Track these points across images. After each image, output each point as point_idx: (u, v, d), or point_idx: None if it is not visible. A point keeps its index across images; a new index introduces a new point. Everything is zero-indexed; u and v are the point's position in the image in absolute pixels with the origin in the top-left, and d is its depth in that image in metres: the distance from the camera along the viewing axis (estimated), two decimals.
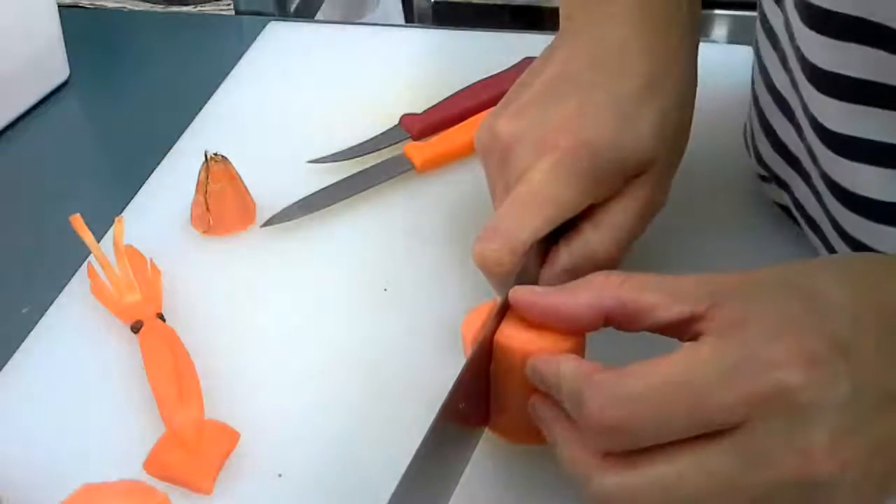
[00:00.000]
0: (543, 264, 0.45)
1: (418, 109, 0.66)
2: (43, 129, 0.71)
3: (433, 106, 0.66)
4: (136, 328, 0.51)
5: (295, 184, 0.61)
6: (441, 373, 0.41)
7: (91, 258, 0.54)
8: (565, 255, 0.44)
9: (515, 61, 0.67)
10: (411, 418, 0.41)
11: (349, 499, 0.44)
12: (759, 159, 0.57)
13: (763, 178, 0.58)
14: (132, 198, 0.62)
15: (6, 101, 0.70)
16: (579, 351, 0.39)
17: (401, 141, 0.64)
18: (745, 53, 0.74)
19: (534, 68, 0.49)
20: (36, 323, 0.53)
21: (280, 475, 0.45)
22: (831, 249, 0.51)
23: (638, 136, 0.45)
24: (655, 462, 0.32)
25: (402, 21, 1.27)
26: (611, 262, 0.45)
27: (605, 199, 0.45)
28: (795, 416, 0.31)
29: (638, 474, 0.33)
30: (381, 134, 0.65)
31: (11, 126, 0.70)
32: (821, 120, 0.46)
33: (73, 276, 0.56)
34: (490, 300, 0.45)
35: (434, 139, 0.63)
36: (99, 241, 0.54)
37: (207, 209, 0.57)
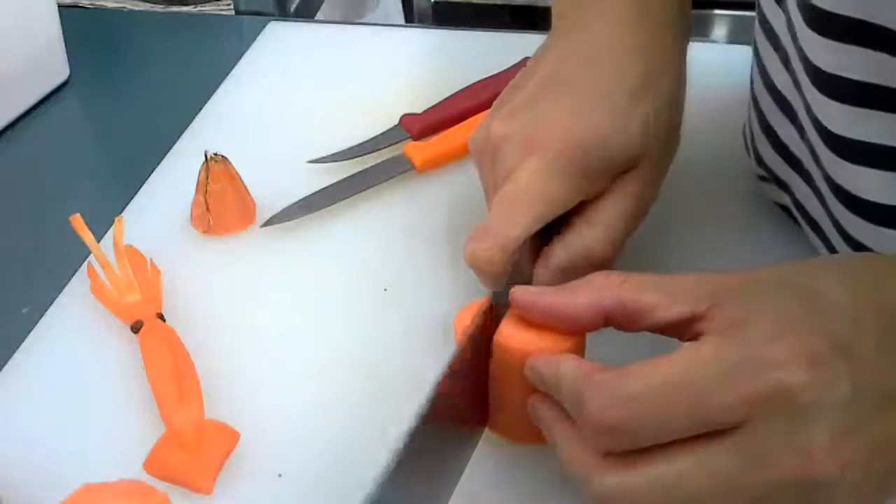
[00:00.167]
0: (537, 262, 0.45)
1: (418, 109, 0.66)
2: (43, 129, 0.71)
3: (433, 106, 0.66)
4: (136, 328, 0.51)
5: (295, 184, 0.61)
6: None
7: (91, 258, 0.54)
8: (561, 252, 0.44)
9: (515, 61, 0.67)
10: (411, 418, 0.41)
11: (349, 499, 0.43)
12: (759, 160, 0.57)
13: (762, 178, 0.58)
14: (132, 198, 0.62)
15: (6, 101, 0.70)
16: (579, 351, 0.39)
17: (401, 141, 0.64)
18: (745, 53, 0.74)
19: (527, 70, 0.49)
20: (36, 323, 0.53)
21: (280, 475, 0.45)
22: (832, 250, 0.51)
23: (629, 135, 0.45)
24: (656, 462, 0.32)
25: (402, 21, 1.27)
26: (606, 260, 0.45)
27: (595, 195, 0.46)
28: (796, 415, 0.31)
29: (638, 474, 0.33)
30: (381, 134, 0.65)
31: (11, 126, 0.70)
32: (824, 122, 0.46)
33: (73, 276, 0.56)
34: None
35: (434, 139, 0.63)
36: (99, 241, 0.54)
37: (207, 209, 0.57)
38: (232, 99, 0.71)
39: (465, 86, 0.67)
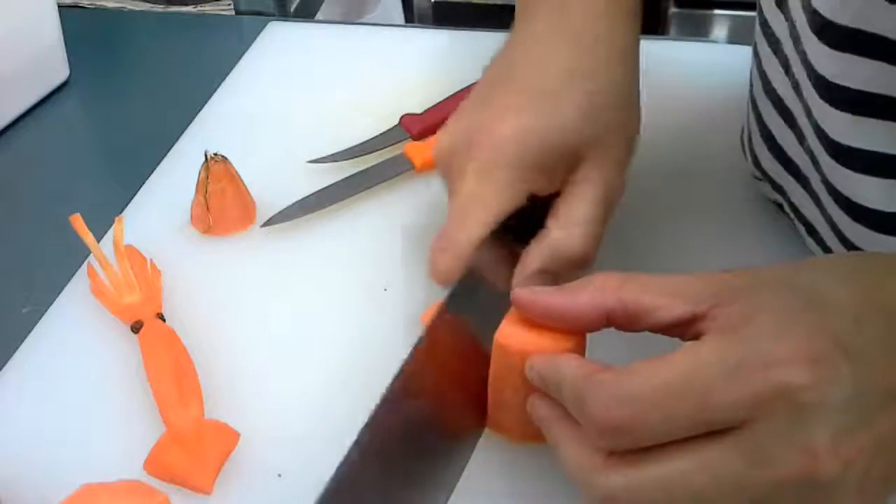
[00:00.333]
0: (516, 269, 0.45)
1: (418, 109, 0.66)
2: (43, 129, 0.71)
3: (433, 106, 0.66)
4: (136, 328, 0.51)
5: (295, 184, 0.61)
6: None
7: (91, 258, 0.54)
8: (535, 256, 0.44)
9: None
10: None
11: None
12: (756, 163, 0.57)
13: (758, 178, 0.58)
14: (132, 198, 0.62)
15: (6, 101, 0.70)
16: (580, 351, 0.39)
17: (401, 141, 0.64)
18: (745, 53, 0.74)
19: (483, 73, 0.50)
20: (36, 323, 0.53)
21: (280, 475, 0.45)
22: (828, 251, 0.51)
23: (561, 119, 0.45)
24: (659, 461, 0.32)
25: (402, 21, 1.27)
26: (584, 256, 0.45)
27: (555, 187, 0.46)
28: (798, 415, 0.31)
29: (641, 474, 0.33)
30: (381, 134, 0.65)
31: (11, 126, 0.70)
32: (825, 129, 0.46)
33: (73, 276, 0.56)
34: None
35: (434, 139, 0.63)
36: (99, 241, 0.54)
37: (207, 209, 0.57)
38: (232, 99, 0.71)
39: (465, 86, 0.67)
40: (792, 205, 0.54)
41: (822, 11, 0.43)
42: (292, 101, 0.71)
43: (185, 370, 0.48)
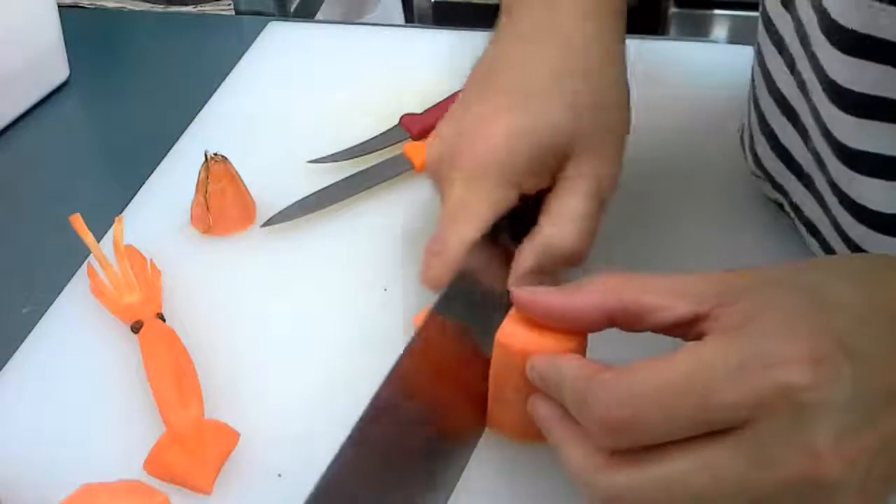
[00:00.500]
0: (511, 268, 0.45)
1: (418, 109, 0.66)
2: (43, 129, 0.71)
3: (433, 106, 0.66)
4: (136, 328, 0.51)
5: (295, 184, 0.61)
6: None
7: (91, 258, 0.54)
8: (528, 254, 0.44)
9: None
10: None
11: None
12: (757, 162, 0.57)
13: (759, 177, 0.58)
14: (132, 198, 0.62)
15: (6, 101, 0.70)
16: (581, 351, 0.39)
17: (401, 141, 0.64)
18: (745, 53, 0.74)
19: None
20: (36, 323, 0.53)
21: (280, 475, 0.45)
22: (829, 251, 0.51)
23: (551, 119, 0.45)
24: (661, 461, 0.32)
25: (402, 21, 1.27)
26: (577, 251, 0.45)
27: (545, 184, 0.46)
28: (800, 415, 0.31)
29: (643, 473, 0.33)
30: (381, 134, 0.65)
31: (11, 126, 0.70)
32: (833, 132, 0.46)
33: (73, 276, 0.56)
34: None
35: None
36: (99, 241, 0.54)
37: (207, 209, 0.57)
38: (232, 99, 0.71)
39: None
40: (793, 204, 0.54)
41: (834, 16, 0.43)
42: (292, 101, 0.71)
43: (185, 370, 0.48)
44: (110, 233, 0.56)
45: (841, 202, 0.48)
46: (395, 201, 0.60)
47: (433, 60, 0.76)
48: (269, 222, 0.58)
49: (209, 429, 0.46)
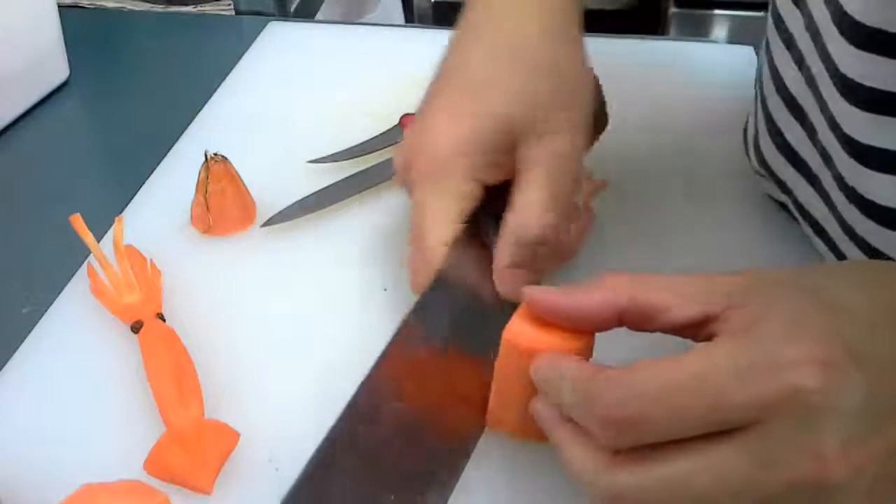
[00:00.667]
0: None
1: None
2: (43, 129, 0.71)
3: None
4: (136, 328, 0.51)
5: (295, 184, 0.61)
6: None
7: (91, 258, 0.54)
8: (503, 251, 0.45)
9: None
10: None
11: None
12: (761, 161, 0.57)
13: (762, 176, 0.58)
14: (132, 198, 0.62)
15: (6, 101, 0.70)
16: (588, 351, 0.39)
17: (401, 141, 0.64)
18: (745, 53, 0.74)
19: None
20: (36, 323, 0.53)
21: (280, 475, 0.44)
22: (835, 250, 0.51)
23: (488, 107, 0.46)
24: (665, 461, 0.32)
25: (402, 21, 1.27)
26: (545, 237, 0.45)
27: (509, 174, 0.46)
28: (808, 418, 0.31)
29: (647, 473, 0.33)
30: (381, 134, 0.65)
31: (11, 126, 0.70)
32: (844, 128, 0.46)
33: (73, 276, 0.56)
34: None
35: None
36: (99, 241, 0.54)
37: (207, 209, 0.57)
38: (232, 99, 0.71)
39: None
40: (798, 203, 0.54)
41: (850, 11, 0.43)
42: (292, 101, 0.71)
43: (185, 370, 0.48)
44: (110, 233, 0.56)
45: (848, 198, 0.48)
46: (395, 201, 0.60)
47: (433, 60, 0.76)
48: (269, 222, 0.58)
49: (209, 429, 0.45)
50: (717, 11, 1.59)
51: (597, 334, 0.39)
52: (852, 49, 0.43)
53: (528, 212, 0.45)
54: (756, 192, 0.59)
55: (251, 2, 0.88)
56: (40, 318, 0.53)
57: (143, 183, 0.63)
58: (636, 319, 0.36)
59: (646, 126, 0.66)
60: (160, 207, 0.61)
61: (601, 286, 0.37)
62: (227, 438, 0.45)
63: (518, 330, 0.39)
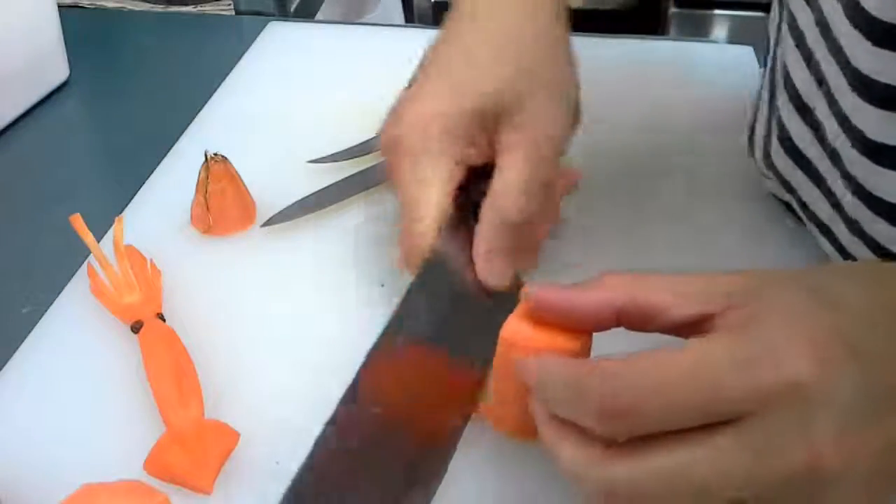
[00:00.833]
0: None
1: None
2: (43, 129, 0.71)
3: None
4: (136, 328, 0.51)
5: (295, 184, 0.61)
6: None
7: (91, 258, 0.54)
8: (483, 236, 0.45)
9: None
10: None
11: None
12: (767, 161, 0.57)
13: (767, 177, 0.58)
14: (132, 198, 0.62)
15: (6, 101, 0.70)
16: (586, 351, 0.39)
17: None
18: (745, 53, 0.74)
19: None
20: (36, 323, 0.53)
21: (280, 475, 0.44)
22: (841, 250, 0.51)
23: (473, 86, 0.46)
24: (661, 452, 0.32)
25: (402, 21, 1.27)
26: (522, 220, 0.45)
27: (489, 156, 0.46)
28: (804, 409, 0.31)
29: (641, 465, 0.32)
30: None
31: (11, 126, 0.70)
32: (855, 123, 0.46)
33: (73, 276, 0.56)
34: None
35: None
36: (99, 241, 0.54)
37: (207, 209, 0.57)
38: (232, 99, 0.72)
39: None
40: (802, 203, 0.54)
41: (867, 7, 0.43)
42: (292, 101, 0.71)
43: (185, 370, 0.48)
44: (110, 233, 0.56)
45: (858, 197, 0.47)
46: (394, 201, 0.60)
47: None
48: (269, 222, 0.58)
49: (209, 429, 0.45)
50: (717, 11, 1.59)
51: (595, 334, 0.39)
52: (868, 45, 0.43)
53: (504, 195, 0.45)
54: (757, 192, 0.59)
55: (251, 2, 0.88)
56: (40, 318, 0.53)
57: (143, 183, 0.63)
58: (635, 319, 0.36)
59: (646, 126, 0.66)
60: (160, 207, 0.61)
61: (600, 285, 0.37)
62: (227, 438, 0.45)
63: (515, 329, 0.39)
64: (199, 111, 0.70)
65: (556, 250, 0.56)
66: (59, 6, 0.73)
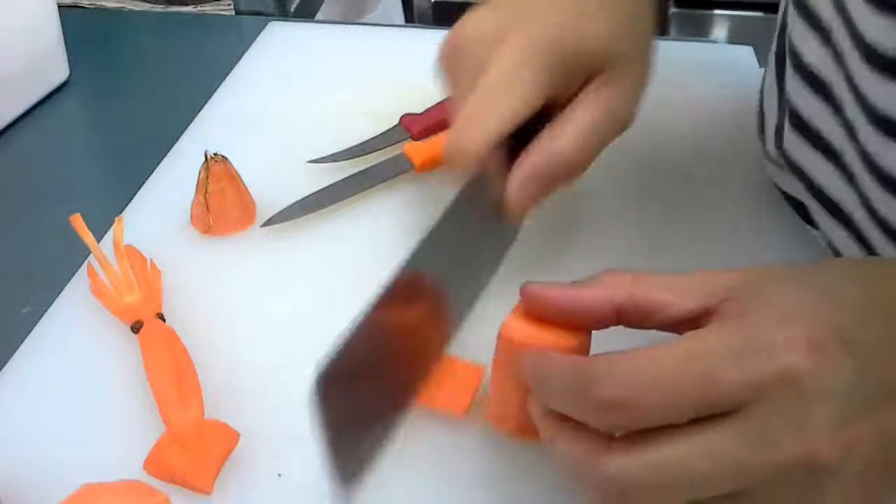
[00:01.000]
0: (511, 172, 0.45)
1: (418, 109, 0.66)
2: (43, 129, 0.71)
3: (433, 106, 0.66)
4: (136, 328, 0.51)
5: (295, 184, 0.61)
6: None
7: (91, 258, 0.54)
8: (534, 155, 0.44)
9: None
10: (411, 416, 0.41)
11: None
12: (780, 149, 0.56)
13: (777, 164, 0.57)
14: (132, 198, 0.62)
15: (6, 101, 0.70)
16: (585, 349, 0.39)
17: (401, 141, 0.64)
18: (745, 53, 0.74)
19: None
20: (36, 323, 0.53)
21: (280, 475, 0.44)
22: (854, 232, 0.51)
23: (595, 28, 0.45)
24: (660, 445, 0.32)
25: (402, 21, 1.27)
26: (577, 166, 0.44)
27: (566, 98, 0.45)
28: (800, 400, 0.31)
29: (640, 457, 0.33)
30: (381, 134, 0.65)
31: (11, 126, 0.70)
32: (872, 101, 0.46)
33: (73, 276, 0.56)
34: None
35: (434, 139, 0.63)
36: (99, 241, 0.54)
37: (207, 209, 0.57)
38: (232, 99, 0.72)
39: None
40: (814, 187, 0.54)
41: None
42: (292, 101, 0.71)
43: (185, 370, 0.48)
44: (110, 233, 0.56)
45: (871, 173, 0.47)
46: (395, 201, 0.60)
47: (433, 60, 0.76)
48: (269, 222, 0.58)
49: (209, 429, 0.45)
50: (717, 11, 1.59)
51: (594, 333, 0.39)
52: (884, 20, 0.43)
53: (566, 129, 0.44)
54: (758, 191, 0.59)
55: (251, 2, 0.88)
56: (40, 318, 0.53)
57: (143, 183, 0.63)
58: (634, 316, 0.36)
59: (646, 126, 0.66)
60: (160, 207, 0.61)
61: (600, 283, 0.37)
62: (227, 438, 0.45)
63: (515, 326, 0.39)
64: (199, 111, 0.70)
65: (555, 249, 0.56)
66: (59, 6, 0.73)
